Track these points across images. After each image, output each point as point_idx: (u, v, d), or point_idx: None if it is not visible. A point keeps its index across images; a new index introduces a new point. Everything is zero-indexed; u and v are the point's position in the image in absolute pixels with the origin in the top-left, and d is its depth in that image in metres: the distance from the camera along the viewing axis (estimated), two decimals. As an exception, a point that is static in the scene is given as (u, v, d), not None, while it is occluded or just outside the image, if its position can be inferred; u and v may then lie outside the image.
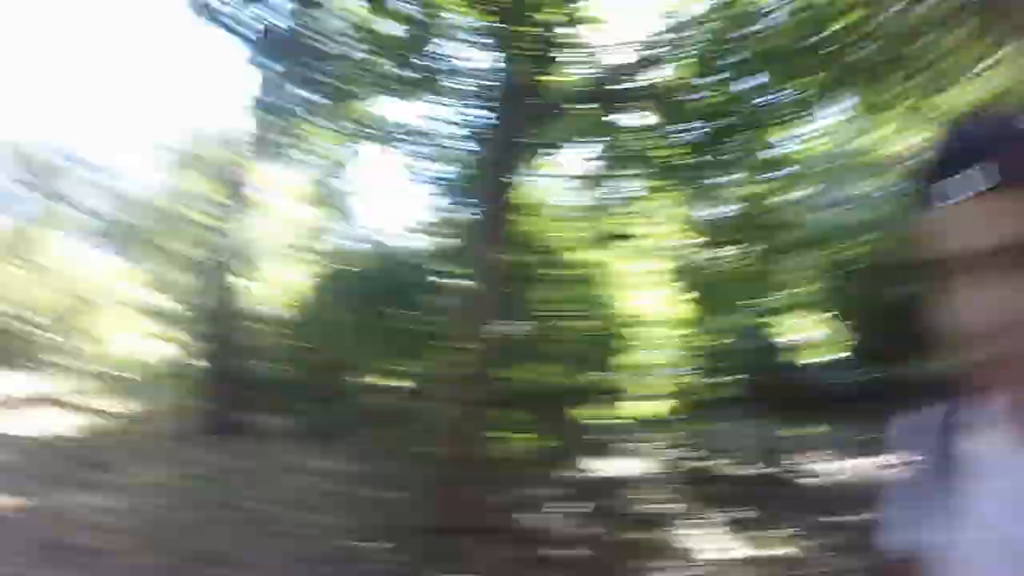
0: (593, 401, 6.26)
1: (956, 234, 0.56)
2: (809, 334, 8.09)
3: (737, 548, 4.92)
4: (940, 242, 0.57)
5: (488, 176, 5.24)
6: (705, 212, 6.97)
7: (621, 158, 5.67)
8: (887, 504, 0.77)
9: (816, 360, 8.90)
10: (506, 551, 4.48)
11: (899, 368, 9.09)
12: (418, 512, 4.96)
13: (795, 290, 8.13)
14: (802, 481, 7.41)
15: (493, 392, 5.09)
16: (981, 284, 0.55)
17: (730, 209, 6.82)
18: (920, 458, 0.73)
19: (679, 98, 4.98)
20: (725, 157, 5.54)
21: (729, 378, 7.45)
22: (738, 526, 5.32)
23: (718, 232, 6.96)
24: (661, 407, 7.45)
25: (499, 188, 5.08)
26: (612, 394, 6.43)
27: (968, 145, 0.56)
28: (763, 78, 4.79)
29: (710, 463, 7.34)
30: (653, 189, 6.10)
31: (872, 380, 9.52)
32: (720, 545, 4.95)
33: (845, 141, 7.45)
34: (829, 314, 8.75)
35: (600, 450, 6.58)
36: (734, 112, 4.97)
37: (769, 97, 4.93)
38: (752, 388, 8.54)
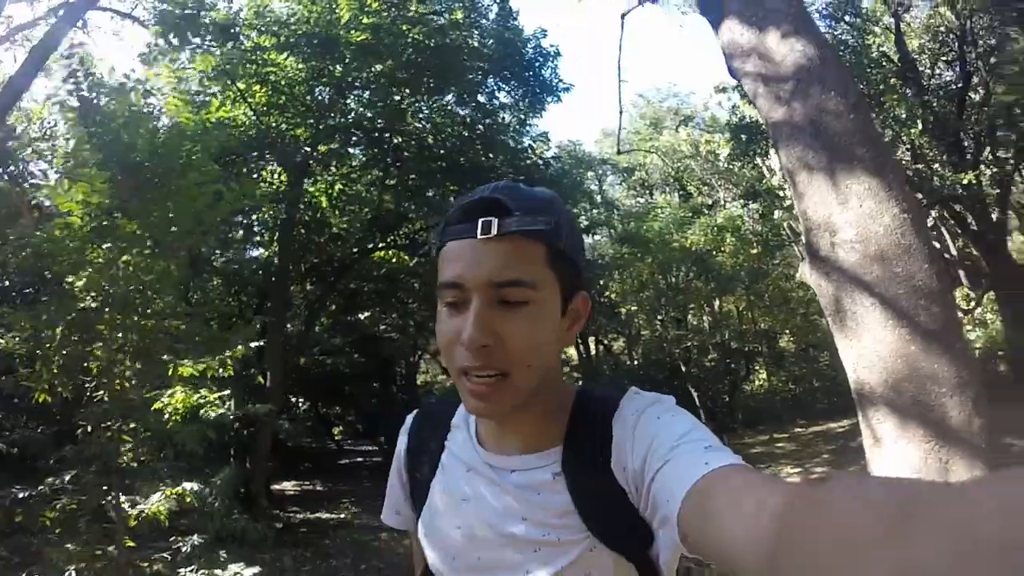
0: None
1: (454, 267, 0.66)
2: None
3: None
4: (442, 272, 0.67)
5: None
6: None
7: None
8: (389, 487, 0.88)
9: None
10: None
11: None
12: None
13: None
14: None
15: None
16: (465, 308, 0.66)
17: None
18: (407, 446, 0.85)
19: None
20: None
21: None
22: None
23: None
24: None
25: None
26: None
27: (478, 202, 0.67)
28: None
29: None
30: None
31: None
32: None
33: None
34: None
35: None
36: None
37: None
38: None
